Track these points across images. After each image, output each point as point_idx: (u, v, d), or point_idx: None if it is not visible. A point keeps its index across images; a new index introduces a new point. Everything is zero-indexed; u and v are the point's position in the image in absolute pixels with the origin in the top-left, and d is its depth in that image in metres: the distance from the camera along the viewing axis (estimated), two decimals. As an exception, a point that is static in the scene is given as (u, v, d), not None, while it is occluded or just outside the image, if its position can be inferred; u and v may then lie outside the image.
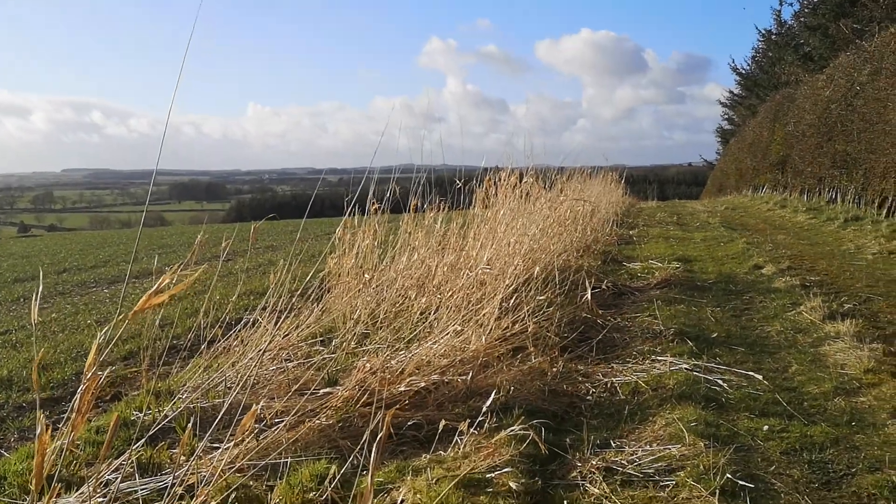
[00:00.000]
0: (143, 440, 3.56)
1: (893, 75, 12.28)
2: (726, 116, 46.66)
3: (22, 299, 9.85)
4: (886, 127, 12.35)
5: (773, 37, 32.36)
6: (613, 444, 3.90)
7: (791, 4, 32.94)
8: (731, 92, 43.73)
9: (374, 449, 2.26)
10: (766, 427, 4.00)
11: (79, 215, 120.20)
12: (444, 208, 7.26)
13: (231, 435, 3.51)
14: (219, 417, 3.45)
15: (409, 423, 4.07)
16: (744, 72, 39.11)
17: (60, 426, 3.53)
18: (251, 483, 3.33)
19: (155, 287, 1.96)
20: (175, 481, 2.84)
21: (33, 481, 1.84)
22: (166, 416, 3.99)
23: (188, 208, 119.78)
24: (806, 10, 26.29)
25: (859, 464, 3.53)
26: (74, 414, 1.86)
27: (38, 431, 1.79)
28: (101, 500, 2.91)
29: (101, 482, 3.06)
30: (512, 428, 3.82)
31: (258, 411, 3.70)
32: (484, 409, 4.05)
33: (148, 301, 1.95)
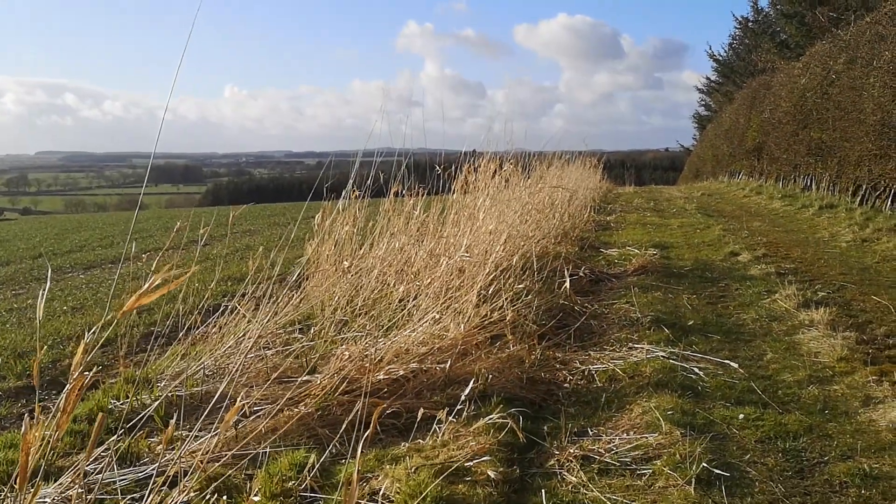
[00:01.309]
0: (121, 430, 3.54)
1: (868, 64, 12.40)
2: (703, 103, 46.94)
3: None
4: (861, 116, 12.48)
5: (750, 24, 32.51)
6: (591, 433, 3.94)
7: (768, -8, 33.07)
8: (707, 78, 43.96)
9: (358, 441, 2.26)
10: (741, 415, 4.06)
11: (54, 198, 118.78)
12: (422, 194, 7.25)
13: (210, 424, 3.51)
14: (201, 407, 3.45)
15: (387, 412, 4.08)
16: (721, 59, 39.29)
17: (37, 416, 3.50)
18: (230, 472, 3.34)
19: (146, 286, 1.94)
20: (154, 471, 2.83)
21: (18, 479, 1.83)
22: (145, 406, 3.98)
23: (164, 191, 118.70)
24: (783, -2, 26.42)
25: (832, 452, 3.59)
26: (59, 413, 1.86)
27: (23, 430, 1.78)
28: (79, 490, 2.90)
29: (80, 473, 3.05)
30: (490, 416, 3.85)
31: (237, 400, 3.70)
32: (462, 397, 4.08)
33: (138, 300, 1.94)
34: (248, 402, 3.83)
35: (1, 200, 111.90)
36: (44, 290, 2.29)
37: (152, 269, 3.32)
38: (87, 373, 1.93)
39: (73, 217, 32.56)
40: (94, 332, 2.33)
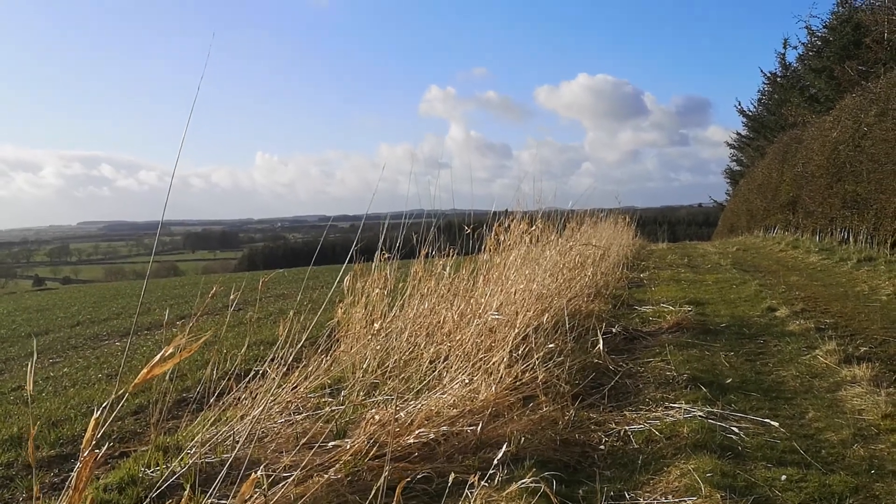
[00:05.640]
0: (147, 499, 3.51)
1: (901, 115, 12.31)
2: (734, 157, 46.84)
3: (35, 354, 9.85)
4: (895, 167, 12.33)
5: (779, 79, 32.62)
6: (628, 497, 3.82)
7: (795, 48, 33.25)
8: (738, 133, 43.98)
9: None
10: (783, 477, 3.92)
11: (94, 267, 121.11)
12: (453, 254, 7.25)
13: (237, 491, 3.46)
14: (225, 473, 3.41)
15: (418, 477, 4.01)
16: (750, 114, 39.36)
17: (67, 485, 3.49)
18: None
19: (159, 356, 1.95)
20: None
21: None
22: (173, 473, 3.95)
23: (201, 258, 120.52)
24: (810, 54, 26.55)
25: (880, 514, 3.44)
26: (72, 491, 1.84)
27: None
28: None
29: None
30: (523, 480, 3.75)
31: (266, 467, 3.67)
32: (495, 461, 3.99)
33: (150, 371, 1.94)
34: (272, 464, 3.79)
35: (43, 270, 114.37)
36: (31, 365, 2.30)
37: (185, 335, 3.33)
38: (97, 450, 1.92)
39: (112, 285, 33.14)
40: (105, 407, 2.32)
